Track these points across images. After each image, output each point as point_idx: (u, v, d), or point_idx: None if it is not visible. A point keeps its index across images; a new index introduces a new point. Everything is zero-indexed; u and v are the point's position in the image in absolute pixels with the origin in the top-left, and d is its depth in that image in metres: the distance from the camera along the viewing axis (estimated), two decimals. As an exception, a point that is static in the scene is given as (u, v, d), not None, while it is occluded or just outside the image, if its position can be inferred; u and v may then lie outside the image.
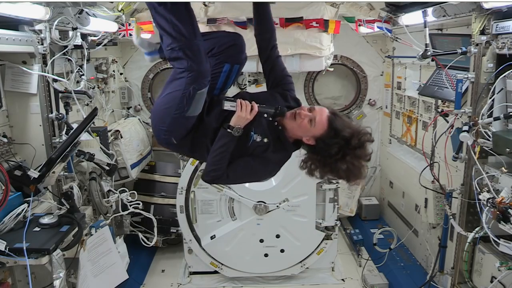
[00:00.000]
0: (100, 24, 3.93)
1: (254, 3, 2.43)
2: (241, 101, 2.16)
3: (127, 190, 4.25)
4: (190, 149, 2.31)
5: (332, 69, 5.43)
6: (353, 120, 2.35)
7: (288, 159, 2.35)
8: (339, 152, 2.14)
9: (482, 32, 3.04)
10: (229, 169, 2.21)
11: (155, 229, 4.40)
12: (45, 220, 2.85)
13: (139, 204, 4.25)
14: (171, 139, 2.23)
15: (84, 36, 3.87)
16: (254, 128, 2.23)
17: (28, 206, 2.81)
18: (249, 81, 5.63)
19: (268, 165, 2.29)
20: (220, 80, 2.32)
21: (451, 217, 3.51)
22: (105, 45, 4.45)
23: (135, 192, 4.27)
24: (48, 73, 3.26)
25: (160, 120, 2.19)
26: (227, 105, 2.17)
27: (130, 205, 4.21)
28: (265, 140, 2.24)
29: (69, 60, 3.76)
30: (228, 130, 2.15)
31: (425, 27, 3.56)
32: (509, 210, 2.58)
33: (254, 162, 2.25)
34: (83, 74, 3.98)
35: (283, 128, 2.28)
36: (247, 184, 4.51)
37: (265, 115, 2.22)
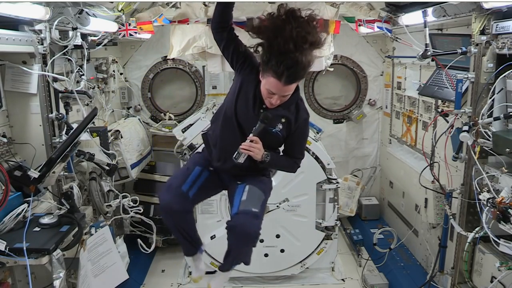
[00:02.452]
0: (100, 24, 3.92)
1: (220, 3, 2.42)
2: (243, 148, 2.38)
3: (129, 195, 4.24)
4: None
5: (332, 69, 5.41)
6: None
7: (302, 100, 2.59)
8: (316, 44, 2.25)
9: (482, 32, 3.04)
10: (294, 156, 2.64)
11: (154, 235, 4.40)
12: (45, 220, 2.85)
13: (140, 210, 4.25)
14: None
15: (84, 36, 3.86)
16: (270, 128, 2.45)
17: (28, 206, 2.81)
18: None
19: (303, 122, 2.56)
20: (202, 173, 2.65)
21: (451, 217, 3.51)
22: (105, 45, 4.44)
23: (137, 198, 4.26)
24: (48, 73, 3.25)
25: None
26: (240, 159, 2.40)
27: (131, 211, 4.21)
28: (283, 120, 2.48)
29: (69, 60, 3.75)
30: (263, 164, 2.49)
31: (425, 27, 3.56)
32: (509, 210, 2.58)
33: (298, 132, 2.56)
34: (83, 74, 3.97)
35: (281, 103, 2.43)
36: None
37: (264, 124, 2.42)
